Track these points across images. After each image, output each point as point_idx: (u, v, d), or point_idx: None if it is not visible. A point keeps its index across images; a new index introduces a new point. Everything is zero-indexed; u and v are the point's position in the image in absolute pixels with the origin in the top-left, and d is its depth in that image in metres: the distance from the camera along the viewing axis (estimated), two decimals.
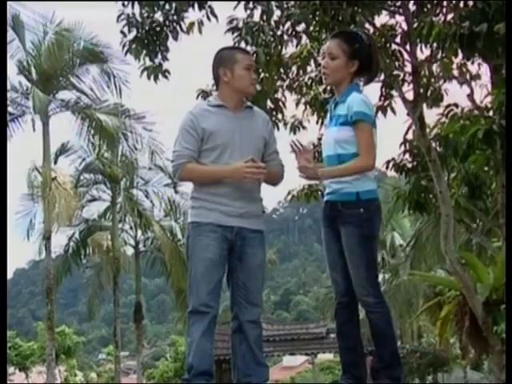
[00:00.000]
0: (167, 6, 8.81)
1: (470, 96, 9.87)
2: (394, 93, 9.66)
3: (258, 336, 4.48)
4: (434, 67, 9.83)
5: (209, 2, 8.67)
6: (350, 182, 4.34)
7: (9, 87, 20.37)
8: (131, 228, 28.47)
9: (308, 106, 10.45)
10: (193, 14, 8.77)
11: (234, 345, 4.49)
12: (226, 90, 4.50)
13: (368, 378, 4.44)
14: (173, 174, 4.61)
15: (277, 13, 8.83)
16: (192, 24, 8.74)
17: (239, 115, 4.50)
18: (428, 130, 9.53)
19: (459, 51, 7.82)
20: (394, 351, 4.43)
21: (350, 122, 4.34)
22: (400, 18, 9.19)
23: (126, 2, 8.73)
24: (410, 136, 10.09)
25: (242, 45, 8.43)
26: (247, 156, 4.36)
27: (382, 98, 9.72)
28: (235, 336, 4.48)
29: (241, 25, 8.57)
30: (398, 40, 9.27)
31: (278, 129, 9.95)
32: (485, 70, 9.93)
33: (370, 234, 4.38)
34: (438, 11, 8.67)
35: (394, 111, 9.83)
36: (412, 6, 8.98)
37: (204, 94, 9.07)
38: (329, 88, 9.18)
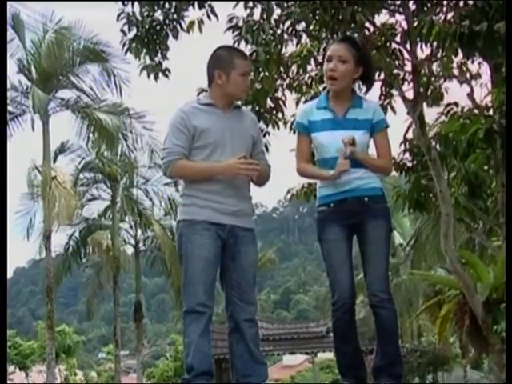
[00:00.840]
0: (167, 5, 8.80)
1: (470, 95, 9.87)
2: (393, 92, 9.65)
3: (255, 334, 4.43)
4: (434, 66, 9.83)
5: (209, 1, 8.67)
6: (372, 177, 4.41)
7: (9, 86, 20.39)
8: (131, 227, 28.53)
9: None
10: (193, 13, 8.78)
11: (231, 345, 4.43)
12: (218, 92, 4.46)
13: (369, 378, 4.43)
14: (163, 172, 4.51)
15: (277, 11, 8.82)
16: (192, 23, 8.74)
17: (228, 115, 4.47)
18: (428, 129, 9.52)
19: (459, 50, 7.80)
20: (398, 349, 4.44)
21: (371, 128, 4.42)
22: (400, 17, 9.19)
23: (126, 1, 8.73)
24: (410, 135, 10.09)
25: (242, 44, 8.43)
26: (238, 154, 4.34)
27: (382, 97, 9.70)
28: (232, 336, 4.43)
29: (241, 23, 8.56)
30: (398, 39, 9.25)
31: (279, 128, 9.92)
32: (485, 69, 9.95)
33: (391, 229, 4.50)
34: (438, 10, 8.66)
35: (394, 110, 9.82)
36: (412, 5, 8.97)
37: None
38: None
